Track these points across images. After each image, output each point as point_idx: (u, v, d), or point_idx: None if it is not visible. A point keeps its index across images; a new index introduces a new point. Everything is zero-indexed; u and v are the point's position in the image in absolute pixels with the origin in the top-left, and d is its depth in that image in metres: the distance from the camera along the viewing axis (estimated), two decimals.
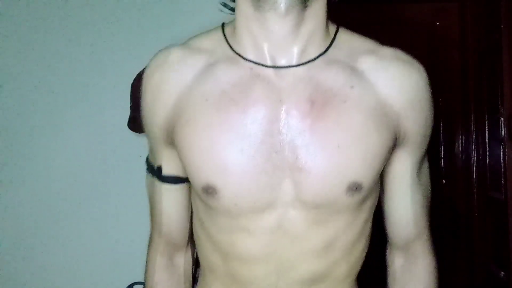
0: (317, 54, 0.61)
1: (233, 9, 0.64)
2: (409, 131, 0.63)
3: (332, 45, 0.63)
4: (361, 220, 0.65)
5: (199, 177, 0.61)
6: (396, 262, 0.72)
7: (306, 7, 0.59)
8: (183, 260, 0.76)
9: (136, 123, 1.33)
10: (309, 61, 0.61)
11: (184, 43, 0.67)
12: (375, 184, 0.64)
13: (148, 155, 0.73)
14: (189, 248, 0.76)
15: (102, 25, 1.48)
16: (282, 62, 0.60)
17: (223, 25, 0.66)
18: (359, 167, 0.59)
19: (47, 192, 1.47)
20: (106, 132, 1.45)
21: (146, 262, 0.76)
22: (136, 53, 1.45)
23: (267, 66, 0.60)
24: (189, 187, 0.70)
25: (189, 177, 0.64)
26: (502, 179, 1.49)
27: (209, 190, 0.60)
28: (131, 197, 1.40)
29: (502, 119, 1.47)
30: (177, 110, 0.63)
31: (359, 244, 0.66)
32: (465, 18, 1.75)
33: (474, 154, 1.75)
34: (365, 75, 0.62)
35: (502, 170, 1.49)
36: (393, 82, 0.62)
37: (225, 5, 0.67)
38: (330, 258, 0.64)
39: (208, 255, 0.68)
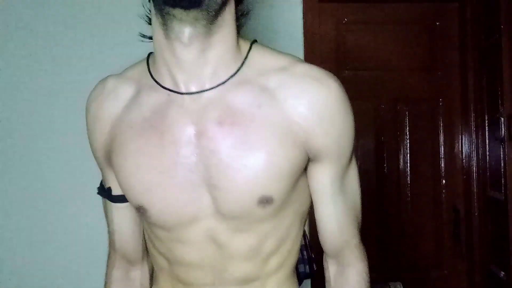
0: (227, 76, 0.64)
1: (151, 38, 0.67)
2: (321, 147, 0.64)
3: (244, 65, 0.65)
4: (284, 226, 0.70)
5: (131, 198, 0.68)
6: (330, 269, 0.75)
7: (211, 34, 0.61)
8: (139, 273, 0.80)
9: None
10: (219, 85, 0.63)
11: (121, 72, 0.72)
12: (290, 195, 0.67)
13: (101, 182, 0.78)
14: (145, 261, 0.80)
15: (102, 25, 1.48)
16: (194, 87, 0.63)
17: (149, 55, 0.70)
18: (267, 182, 0.63)
19: (47, 192, 1.47)
20: None
21: (105, 277, 0.80)
22: (136, 53, 1.45)
23: (181, 93, 0.64)
24: None
25: (126, 197, 0.70)
26: (502, 179, 1.49)
27: (141, 210, 0.67)
28: None
29: (502, 119, 1.48)
30: (111, 137, 0.69)
31: (285, 245, 0.71)
32: (465, 18, 1.75)
33: (474, 154, 1.75)
34: (275, 93, 0.63)
35: (502, 170, 1.49)
36: (301, 100, 0.63)
37: (143, 35, 0.70)
38: (257, 260, 0.69)
39: (156, 258, 0.74)
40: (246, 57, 0.65)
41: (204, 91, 0.63)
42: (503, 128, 1.48)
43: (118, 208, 0.75)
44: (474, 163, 1.75)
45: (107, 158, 0.71)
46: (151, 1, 0.62)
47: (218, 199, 0.64)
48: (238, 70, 0.64)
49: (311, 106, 0.63)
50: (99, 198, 1.35)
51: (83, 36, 1.48)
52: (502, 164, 1.50)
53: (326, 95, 0.63)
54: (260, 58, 0.66)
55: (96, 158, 0.74)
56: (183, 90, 0.64)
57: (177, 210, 0.65)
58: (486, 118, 1.65)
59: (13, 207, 1.47)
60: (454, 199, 1.79)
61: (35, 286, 1.47)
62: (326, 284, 0.76)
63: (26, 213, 1.47)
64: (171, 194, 0.64)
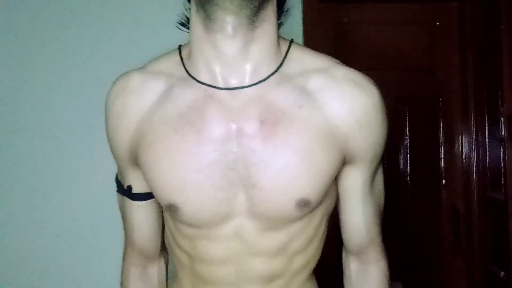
0: (268, 73, 0.63)
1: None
2: (358, 151, 0.65)
3: (284, 63, 0.64)
4: (313, 226, 0.70)
5: (162, 197, 0.66)
6: (351, 266, 0.76)
7: (254, 27, 0.60)
8: (156, 270, 0.80)
9: None
10: (260, 81, 0.63)
11: (143, 66, 0.69)
12: (324, 196, 0.67)
13: (117, 174, 0.77)
14: (162, 257, 0.80)
15: (102, 26, 1.48)
16: (234, 82, 0.62)
17: (180, 47, 0.69)
18: (306, 185, 0.63)
19: (47, 192, 1.47)
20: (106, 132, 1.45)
21: (121, 273, 0.80)
22: (136, 53, 1.45)
23: (219, 88, 0.63)
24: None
25: (154, 195, 0.69)
26: (502, 179, 1.49)
27: (172, 208, 0.65)
28: None
29: (502, 119, 1.47)
30: (139, 134, 0.66)
31: (312, 244, 0.71)
32: (465, 18, 1.75)
33: (474, 154, 1.75)
34: (315, 95, 0.63)
35: (502, 170, 1.49)
36: (342, 103, 0.63)
37: (182, 24, 0.69)
38: (284, 258, 0.69)
39: (177, 254, 0.74)
40: (286, 55, 0.65)
41: (244, 87, 0.62)
42: (503, 128, 1.48)
43: (138, 206, 0.74)
44: (474, 163, 1.75)
45: (131, 156, 0.69)
46: None
47: (254, 199, 0.63)
48: (279, 68, 0.64)
49: (352, 110, 0.63)
50: (99, 198, 1.34)
51: (84, 35, 1.48)
52: (502, 164, 1.50)
53: (366, 100, 0.64)
54: (299, 57, 0.66)
55: (117, 156, 0.72)
56: (222, 85, 0.63)
57: (212, 209, 0.64)
58: (486, 118, 1.65)
59: (13, 206, 1.47)
60: (454, 199, 1.79)
61: (36, 286, 1.47)
62: (346, 281, 0.77)
63: (25, 214, 1.47)
64: (206, 193, 0.63)
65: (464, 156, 1.78)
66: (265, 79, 0.63)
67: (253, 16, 0.60)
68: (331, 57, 0.68)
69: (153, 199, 0.73)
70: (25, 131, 1.47)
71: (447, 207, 1.80)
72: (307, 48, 0.69)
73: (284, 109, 0.62)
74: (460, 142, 1.80)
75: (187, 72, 0.65)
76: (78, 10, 1.47)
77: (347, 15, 1.75)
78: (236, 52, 0.61)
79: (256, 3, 0.59)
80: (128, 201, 0.74)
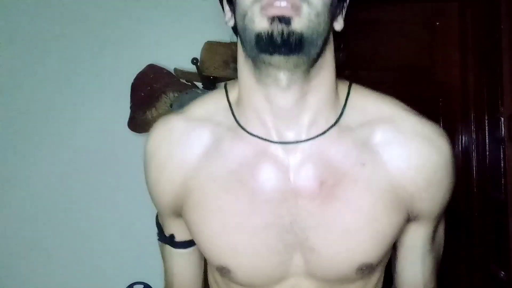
0: (327, 126, 0.57)
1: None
2: (424, 210, 0.60)
3: (344, 112, 0.58)
4: (373, 282, 0.66)
5: (212, 259, 0.62)
6: None
7: (311, 78, 0.55)
8: None
9: (136, 123, 1.33)
10: (318, 135, 0.57)
11: (186, 111, 0.63)
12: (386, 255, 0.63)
13: (157, 217, 0.72)
14: None
15: (102, 25, 1.48)
16: (290, 136, 0.57)
17: (226, 87, 0.62)
18: (369, 250, 0.58)
19: (48, 192, 1.47)
20: (106, 132, 1.45)
21: None
22: (136, 53, 1.45)
23: (273, 142, 0.57)
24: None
25: (203, 254, 0.65)
26: (502, 179, 1.49)
27: (223, 270, 0.61)
28: (131, 197, 1.40)
29: (502, 119, 1.47)
30: (185, 190, 0.61)
31: None
32: (465, 18, 1.75)
33: (474, 154, 1.75)
34: (378, 150, 0.57)
35: (502, 170, 1.49)
36: (409, 162, 0.57)
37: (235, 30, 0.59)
38: None
39: None
40: (345, 103, 0.58)
41: (301, 141, 0.56)
42: (503, 128, 1.48)
43: (180, 254, 0.70)
44: (474, 163, 1.75)
45: (175, 209, 0.64)
46: (242, 45, 0.54)
47: (312, 262, 0.59)
48: (338, 119, 0.57)
49: (419, 170, 0.57)
50: (99, 198, 1.34)
51: (82, 36, 1.48)
52: (502, 164, 1.50)
53: (437, 159, 0.58)
54: (360, 104, 0.59)
55: (158, 207, 0.67)
56: (276, 139, 0.57)
57: (266, 273, 0.60)
58: (486, 118, 1.65)
59: (13, 206, 1.47)
60: (454, 199, 1.79)
61: (37, 286, 1.47)
62: None
63: (26, 213, 1.47)
64: (262, 258, 0.58)
65: (464, 156, 1.78)
66: (323, 133, 0.56)
67: (311, 67, 0.54)
68: (396, 100, 0.61)
69: (195, 246, 0.68)
70: (25, 130, 1.47)
71: (447, 207, 1.79)
72: (369, 91, 0.62)
73: (345, 167, 0.56)
74: (460, 142, 1.79)
75: (237, 122, 0.59)
76: (79, 10, 1.47)
77: (347, 15, 1.75)
78: (292, 105, 0.55)
79: (315, 56, 0.52)
80: (170, 250, 0.70)
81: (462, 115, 1.79)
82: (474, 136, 1.74)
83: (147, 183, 0.65)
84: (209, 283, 0.74)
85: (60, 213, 1.47)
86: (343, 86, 0.60)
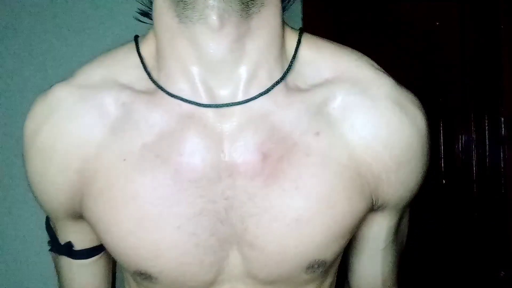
0: (271, 82, 0.44)
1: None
2: (391, 197, 0.48)
3: (292, 67, 0.45)
4: (327, 284, 0.55)
5: (127, 263, 0.47)
6: None
7: (250, 15, 0.41)
8: None
9: None
10: (260, 94, 0.43)
11: (77, 76, 0.47)
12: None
13: (47, 219, 0.56)
14: None
15: (102, 25, 1.48)
16: (223, 94, 0.43)
17: (136, 41, 0.48)
18: (323, 244, 0.46)
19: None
20: None
21: None
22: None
23: (202, 105, 0.43)
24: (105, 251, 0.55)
25: (114, 258, 0.50)
26: (502, 179, 1.49)
27: (142, 276, 0.48)
28: None
29: (502, 119, 1.47)
30: (84, 177, 0.46)
31: None
32: (465, 18, 1.75)
33: (474, 154, 1.75)
34: (337, 117, 0.45)
35: (502, 170, 1.49)
36: (375, 133, 0.45)
37: (144, 14, 0.48)
38: None
39: None
40: (295, 55, 0.45)
41: (238, 103, 0.43)
42: (503, 128, 1.48)
43: (81, 265, 0.54)
44: (474, 163, 1.75)
45: (71, 207, 0.49)
46: None
47: (252, 261, 0.46)
48: (285, 74, 0.45)
49: (389, 144, 0.45)
50: None
51: (82, 36, 1.48)
52: (502, 164, 1.50)
53: (411, 133, 0.46)
54: (314, 58, 0.47)
55: (47, 208, 0.51)
56: (205, 100, 0.44)
57: (197, 277, 0.46)
58: (486, 118, 1.65)
59: (13, 206, 1.47)
60: (454, 199, 1.79)
61: (36, 286, 1.47)
62: None
63: (25, 213, 1.47)
64: (191, 258, 0.45)
65: (464, 156, 1.78)
66: (267, 91, 0.44)
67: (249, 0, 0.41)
68: (359, 53, 0.49)
69: (101, 254, 0.55)
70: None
71: (447, 207, 1.79)
72: (325, 41, 0.49)
73: (294, 137, 0.44)
74: (460, 142, 1.79)
75: (153, 81, 0.45)
76: (79, 9, 1.47)
77: (347, 14, 1.75)
78: (225, 51, 0.42)
79: None
80: (67, 261, 0.54)
81: (462, 115, 1.79)
82: (474, 136, 1.74)
83: (28, 178, 0.49)
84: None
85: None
86: (292, 35, 0.47)
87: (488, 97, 1.64)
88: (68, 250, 0.53)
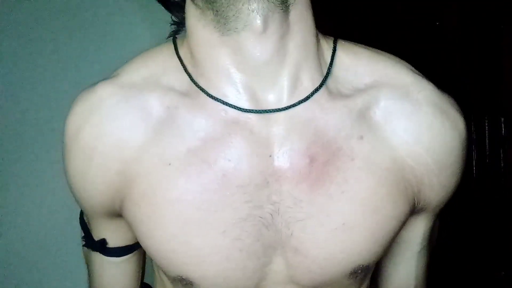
0: (313, 87, 0.44)
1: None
2: (432, 200, 0.50)
3: (332, 73, 0.45)
4: (365, 286, 0.56)
5: (168, 268, 0.47)
6: None
7: (287, 6, 0.41)
8: None
9: None
10: (303, 100, 0.43)
11: (121, 74, 0.47)
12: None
13: (81, 214, 0.56)
14: None
15: (101, 24, 1.48)
16: (269, 100, 0.43)
17: (175, 42, 0.48)
18: (367, 249, 0.46)
19: (47, 192, 1.47)
20: None
21: None
22: (135, 53, 1.44)
23: (247, 111, 0.43)
24: (143, 251, 0.55)
25: (156, 262, 0.50)
26: (502, 179, 1.49)
27: (183, 282, 0.47)
28: None
29: (502, 119, 1.47)
30: (125, 179, 0.45)
31: None
32: (465, 17, 1.75)
33: (474, 154, 1.75)
34: (380, 122, 0.45)
35: (502, 170, 1.49)
36: (418, 136, 0.45)
37: (176, 23, 0.48)
38: None
39: None
40: (332, 59, 0.46)
41: (283, 109, 0.43)
42: (503, 128, 1.48)
43: (113, 263, 0.54)
44: (474, 163, 1.75)
45: (111, 207, 0.49)
46: None
47: (296, 266, 0.46)
48: (325, 78, 0.44)
49: (431, 148, 0.45)
50: None
51: (82, 35, 1.48)
52: (502, 164, 1.50)
53: (452, 136, 0.47)
54: (352, 63, 0.47)
55: (86, 207, 0.51)
56: (248, 105, 0.43)
57: (239, 283, 0.46)
58: (486, 118, 1.65)
59: (13, 206, 1.47)
60: (454, 199, 1.79)
61: (36, 286, 1.47)
62: None
63: (26, 214, 1.47)
64: (234, 264, 0.44)
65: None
66: (311, 95, 0.43)
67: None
68: (397, 58, 0.49)
69: (135, 252, 0.55)
70: (25, 129, 1.47)
71: (447, 207, 1.79)
72: (360, 47, 0.50)
73: (339, 141, 0.43)
74: None
75: (197, 85, 0.44)
76: (79, 8, 1.47)
77: (346, 16, 1.75)
78: (270, 53, 0.41)
79: None
80: (99, 258, 0.55)
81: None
82: (474, 136, 1.74)
83: (68, 176, 0.50)
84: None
85: (59, 213, 1.47)
86: (327, 41, 0.48)
87: (488, 97, 1.64)
88: (101, 246, 0.53)
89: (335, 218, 0.44)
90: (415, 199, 0.48)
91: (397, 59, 0.50)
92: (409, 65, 0.50)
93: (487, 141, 1.65)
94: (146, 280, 1.21)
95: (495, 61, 1.53)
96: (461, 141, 0.47)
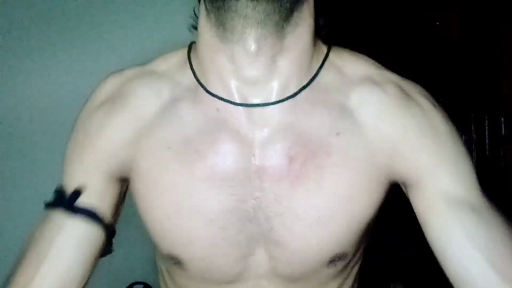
0: (298, 88, 0.47)
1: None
2: (412, 166, 0.48)
3: (319, 74, 0.49)
4: (353, 276, 0.58)
5: (161, 245, 0.51)
6: None
7: (284, 36, 0.45)
8: None
9: None
10: (287, 98, 0.47)
11: (148, 65, 0.54)
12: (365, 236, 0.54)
13: (58, 186, 0.54)
14: None
15: (101, 23, 1.48)
16: (256, 102, 0.47)
17: (191, 44, 0.53)
18: (343, 238, 0.49)
19: (47, 192, 1.46)
20: None
21: None
22: (135, 52, 1.45)
23: (236, 104, 0.47)
24: (105, 235, 0.52)
25: (150, 237, 0.53)
26: (502, 179, 1.49)
27: (173, 260, 0.52)
28: (131, 196, 1.39)
29: (502, 119, 1.48)
30: (136, 150, 0.49)
31: None
32: (465, 17, 1.75)
33: (474, 154, 1.75)
34: (354, 113, 0.48)
35: (502, 170, 1.49)
36: (384, 118, 0.48)
37: (195, 28, 0.52)
38: None
39: None
40: (321, 65, 0.49)
41: (268, 104, 0.46)
42: (503, 128, 1.48)
43: (74, 227, 0.48)
44: (473, 163, 1.75)
45: (117, 169, 0.51)
46: None
47: (277, 259, 0.49)
48: (311, 81, 0.48)
49: (394, 122, 0.48)
50: None
51: (81, 35, 1.48)
52: (501, 165, 1.50)
53: (414, 111, 0.50)
54: (338, 65, 0.50)
55: (93, 153, 0.50)
56: (238, 101, 0.47)
57: (223, 269, 0.50)
58: (486, 118, 1.65)
59: (12, 206, 1.47)
60: None
61: None
62: None
63: (25, 213, 1.47)
64: (219, 251, 0.49)
65: None
66: (294, 95, 0.47)
67: (284, 21, 0.44)
68: (371, 60, 0.54)
69: (98, 228, 0.50)
70: (25, 129, 1.47)
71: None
72: (349, 52, 0.53)
73: (318, 139, 0.47)
74: None
75: (197, 80, 0.49)
76: (80, 7, 1.47)
77: (347, 14, 1.75)
78: (260, 71, 0.45)
79: (288, 5, 0.43)
80: (59, 216, 0.49)
81: (462, 115, 1.79)
82: (474, 136, 1.74)
83: (84, 124, 0.52)
84: (159, 275, 0.65)
85: None
86: (323, 49, 0.51)
87: (488, 97, 1.64)
88: (72, 198, 0.50)
89: (311, 212, 0.47)
90: (391, 176, 0.49)
91: (374, 61, 0.54)
92: (375, 62, 0.54)
93: (487, 141, 1.65)
94: (146, 280, 1.21)
95: (495, 61, 1.53)
96: (422, 110, 0.50)
